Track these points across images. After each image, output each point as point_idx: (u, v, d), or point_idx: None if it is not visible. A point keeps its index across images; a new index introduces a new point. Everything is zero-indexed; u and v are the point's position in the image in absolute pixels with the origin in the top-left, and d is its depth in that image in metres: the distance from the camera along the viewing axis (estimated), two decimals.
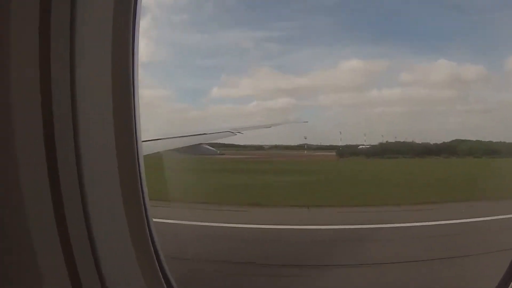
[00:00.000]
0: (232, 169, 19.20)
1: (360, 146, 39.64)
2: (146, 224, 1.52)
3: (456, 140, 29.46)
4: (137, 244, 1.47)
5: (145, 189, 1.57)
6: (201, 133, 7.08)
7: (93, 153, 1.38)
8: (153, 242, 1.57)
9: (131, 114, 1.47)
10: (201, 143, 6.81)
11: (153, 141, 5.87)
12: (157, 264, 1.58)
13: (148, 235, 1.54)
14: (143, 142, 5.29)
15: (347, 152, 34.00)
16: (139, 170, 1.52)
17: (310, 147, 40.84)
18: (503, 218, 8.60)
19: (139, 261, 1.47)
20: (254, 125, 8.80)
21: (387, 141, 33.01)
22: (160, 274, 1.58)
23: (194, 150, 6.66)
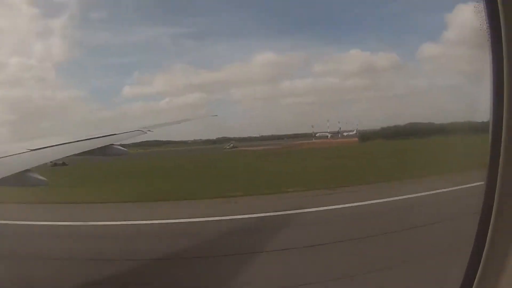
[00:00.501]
0: None
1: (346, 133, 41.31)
2: None
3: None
4: None
5: None
6: (110, 134, 6.84)
7: None
8: None
9: None
10: (111, 144, 6.57)
11: (61, 145, 5.55)
12: None
13: None
14: (48, 148, 4.97)
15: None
16: None
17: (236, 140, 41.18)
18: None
19: None
20: (164, 122, 8.75)
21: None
22: None
23: (105, 151, 6.40)
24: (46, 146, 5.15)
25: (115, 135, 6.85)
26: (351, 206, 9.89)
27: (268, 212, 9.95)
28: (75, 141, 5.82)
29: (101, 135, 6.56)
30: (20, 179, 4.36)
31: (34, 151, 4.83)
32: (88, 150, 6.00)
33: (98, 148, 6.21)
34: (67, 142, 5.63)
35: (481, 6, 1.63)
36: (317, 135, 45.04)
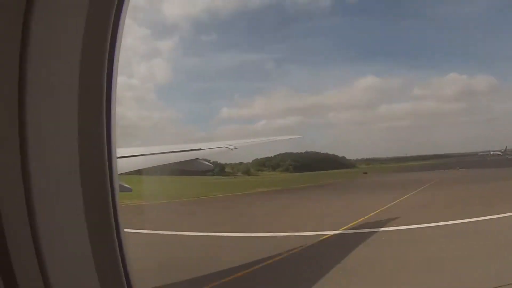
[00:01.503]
0: None
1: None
2: (112, 230, 1.45)
3: None
4: (96, 250, 1.39)
5: (116, 196, 1.46)
6: (196, 148, 7.01)
7: (45, 157, 1.32)
8: (119, 248, 1.50)
9: (101, 119, 1.40)
10: (196, 158, 6.71)
11: (147, 155, 5.84)
12: (121, 271, 1.49)
13: (114, 241, 1.45)
14: (135, 157, 5.18)
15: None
16: (110, 179, 1.42)
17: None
18: None
19: (97, 266, 1.39)
20: (251, 140, 8.73)
21: None
22: (125, 282, 1.50)
23: (189, 165, 6.57)
24: (132, 154, 5.44)
25: (200, 150, 6.99)
26: None
27: None
28: (160, 153, 6.07)
29: (187, 149, 6.75)
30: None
31: (120, 159, 5.13)
32: (172, 162, 6.24)
33: (183, 161, 6.39)
34: (153, 153, 5.89)
35: None
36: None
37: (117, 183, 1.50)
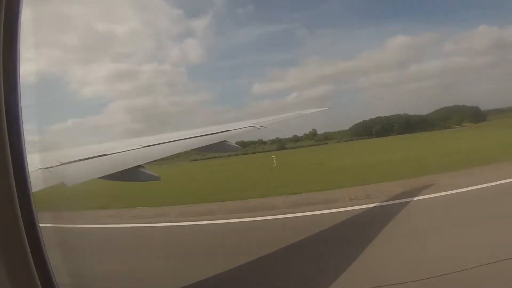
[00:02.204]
0: None
1: None
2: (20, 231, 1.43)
3: None
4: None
5: (30, 194, 1.48)
6: (223, 130, 6.81)
7: None
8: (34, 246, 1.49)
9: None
10: (224, 141, 6.50)
11: (172, 142, 5.66)
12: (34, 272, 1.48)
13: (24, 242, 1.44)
14: (161, 145, 5.00)
15: None
16: (19, 178, 1.41)
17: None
18: None
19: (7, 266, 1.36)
20: (277, 117, 8.43)
21: None
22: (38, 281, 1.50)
23: (218, 147, 6.36)
24: (158, 143, 5.28)
25: (228, 132, 6.78)
26: None
27: None
28: (186, 138, 5.89)
29: (214, 132, 6.55)
30: (133, 174, 4.46)
31: (147, 147, 4.96)
32: (200, 147, 6.04)
33: (210, 144, 6.19)
34: (179, 139, 5.71)
35: None
36: None
37: (28, 182, 1.47)
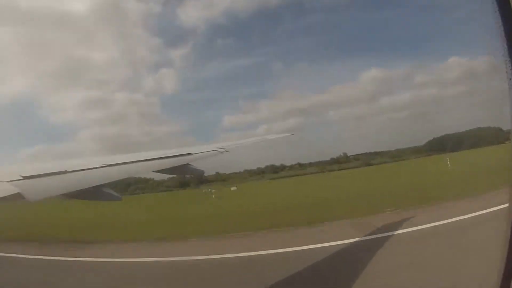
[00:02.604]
0: None
1: None
2: None
3: None
4: None
5: None
6: (186, 153, 6.82)
7: None
8: None
9: None
10: (187, 164, 6.52)
11: (137, 162, 5.59)
12: None
13: None
14: (125, 164, 4.94)
15: None
16: None
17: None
18: None
19: None
20: (242, 142, 8.56)
21: None
22: None
23: (181, 170, 6.36)
24: (122, 162, 5.19)
25: (191, 155, 6.79)
26: None
27: None
28: (150, 159, 5.84)
29: (177, 154, 6.55)
30: (95, 193, 4.36)
31: (110, 167, 4.87)
32: (163, 169, 6.00)
33: (174, 167, 6.17)
34: (142, 159, 5.65)
35: None
36: None
37: None
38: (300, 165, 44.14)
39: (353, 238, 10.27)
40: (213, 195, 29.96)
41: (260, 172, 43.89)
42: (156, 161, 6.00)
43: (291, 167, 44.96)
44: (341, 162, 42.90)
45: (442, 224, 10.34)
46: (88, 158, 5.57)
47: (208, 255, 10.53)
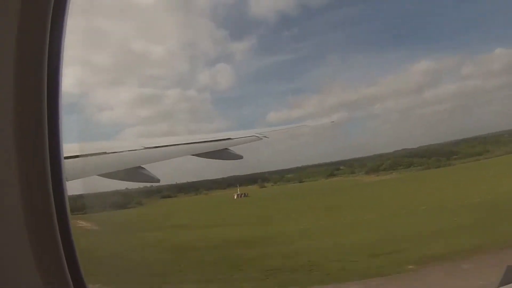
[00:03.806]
0: None
1: None
2: (54, 229, 1.47)
3: None
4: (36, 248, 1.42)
5: (65, 193, 1.51)
6: (226, 138, 6.85)
7: None
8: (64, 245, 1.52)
9: (42, 121, 1.39)
10: (226, 148, 6.54)
11: (175, 145, 5.71)
12: (66, 273, 1.53)
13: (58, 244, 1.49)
14: (163, 148, 5.04)
15: None
16: (55, 182, 1.44)
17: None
18: None
19: (38, 264, 1.40)
20: (280, 128, 8.45)
21: None
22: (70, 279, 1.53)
23: (220, 155, 6.40)
24: (161, 145, 5.32)
25: (230, 140, 6.82)
26: None
27: None
28: (189, 143, 5.93)
29: (217, 139, 6.59)
30: (133, 174, 4.50)
31: (148, 149, 5.01)
32: (202, 153, 6.07)
33: (212, 151, 6.23)
34: (181, 143, 5.75)
35: None
36: None
37: (64, 185, 1.52)
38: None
39: None
40: None
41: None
42: (195, 145, 6.09)
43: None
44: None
45: None
46: (128, 140, 5.77)
47: None
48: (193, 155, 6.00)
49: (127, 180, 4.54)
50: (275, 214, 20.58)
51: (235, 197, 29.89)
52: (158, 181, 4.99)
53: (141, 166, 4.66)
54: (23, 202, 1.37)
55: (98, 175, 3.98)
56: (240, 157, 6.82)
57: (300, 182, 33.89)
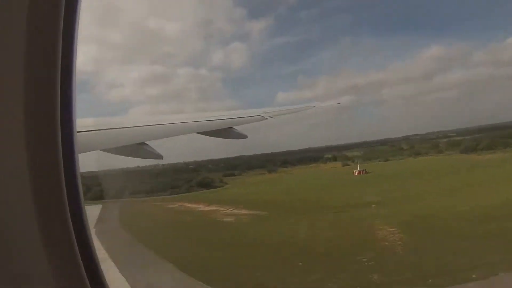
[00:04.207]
0: None
1: None
2: (68, 226, 1.44)
3: None
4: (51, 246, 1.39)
5: (79, 194, 1.48)
6: (231, 117, 6.84)
7: None
8: (81, 244, 1.49)
9: (55, 116, 1.35)
10: (231, 127, 6.53)
11: (180, 123, 5.71)
12: (82, 272, 1.48)
13: (72, 237, 1.45)
14: (165, 125, 5.04)
15: None
16: (69, 177, 1.40)
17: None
18: None
19: (53, 262, 1.38)
20: (287, 108, 8.40)
21: None
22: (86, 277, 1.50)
23: (224, 134, 6.40)
24: (165, 123, 5.33)
25: (235, 119, 6.80)
26: None
27: None
28: (194, 121, 5.93)
29: (221, 118, 6.58)
30: (136, 150, 4.53)
31: (152, 126, 5.02)
32: (206, 131, 6.07)
33: (217, 130, 6.23)
34: (185, 121, 5.75)
35: None
36: None
37: (78, 180, 1.49)
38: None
39: None
40: None
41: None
42: (199, 123, 6.09)
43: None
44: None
45: None
46: (133, 116, 5.78)
47: None
48: (198, 133, 6.02)
49: (130, 156, 4.58)
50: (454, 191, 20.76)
51: (356, 174, 29.81)
52: (161, 157, 5.02)
53: (145, 142, 4.69)
54: (34, 197, 1.35)
55: (101, 150, 4.02)
56: (245, 136, 6.80)
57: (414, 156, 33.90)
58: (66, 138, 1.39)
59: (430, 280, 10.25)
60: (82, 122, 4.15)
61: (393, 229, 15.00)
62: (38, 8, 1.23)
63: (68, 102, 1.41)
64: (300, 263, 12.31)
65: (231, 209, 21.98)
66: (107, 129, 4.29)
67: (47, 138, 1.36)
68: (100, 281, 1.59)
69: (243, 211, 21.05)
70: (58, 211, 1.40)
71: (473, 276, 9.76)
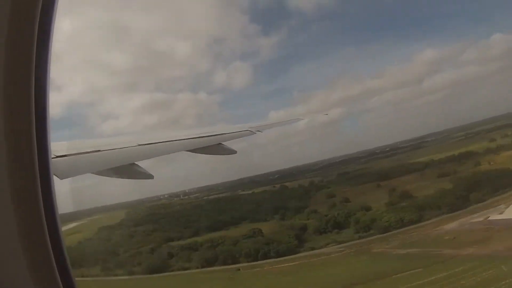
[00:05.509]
0: None
1: None
2: (43, 229, 1.49)
3: None
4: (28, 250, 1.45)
5: (53, 194, 1.54)
6: (219, 133, 6.83)
7: None
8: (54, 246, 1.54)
9: (30, 118, 1.40)
10: (220, 143, 6.53)
11: (169, 142, 5.67)
12: (54, 269, 1.55)
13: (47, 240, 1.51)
14: (155, 144, 5.00)
15: None
16: (43, 179, 1.46)
17: None
18: None
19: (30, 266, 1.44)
20: (274, 123, 8.43)
21: None
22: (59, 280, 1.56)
23: (214, 150, 6.38)
24: (155, 141, 5.28)
25: (223, 135, 6.80)
26: None
27: None
28: (183, 139, 5.90)
29: (210, 134, 6.57)
30: (127, 171, 4.46)
31: (142, 146, 4.96)
32: (195, 149, 6.04)
33: (206, 147, 6.21)
34: (176, 139, 5.72)
35: None
36: None
37: (52, 183, 1.55)
38: None
39: None
40: None
41: None
42: (189, 140, 6.06)
43: None
44: None
45: None
46: (121, 137, 5.72)
47: None
48: (187, 151, 5.98)
49: (120, 177, 4.51)
50: None
51: None
52: (152, 177, 4.96)
53: (135, 163, 4.63)
54: (12, 202, 1.39)
55: (92, 173, 3.94)
56: (234, 151, 6.81)
57: None
58: (42, 141, 1.45)
59: None
60: (72, 145, 4.08)
61: None
62: (13, 30, 1.27)
63: (43, 111, 1.47)
64: None
65: None
66: (97, 151, 4.22)
67: (24, 147, 1.41)
68: (71, 282, 1.67)
69: None
70: (35, 214, 1.47)
71: None
